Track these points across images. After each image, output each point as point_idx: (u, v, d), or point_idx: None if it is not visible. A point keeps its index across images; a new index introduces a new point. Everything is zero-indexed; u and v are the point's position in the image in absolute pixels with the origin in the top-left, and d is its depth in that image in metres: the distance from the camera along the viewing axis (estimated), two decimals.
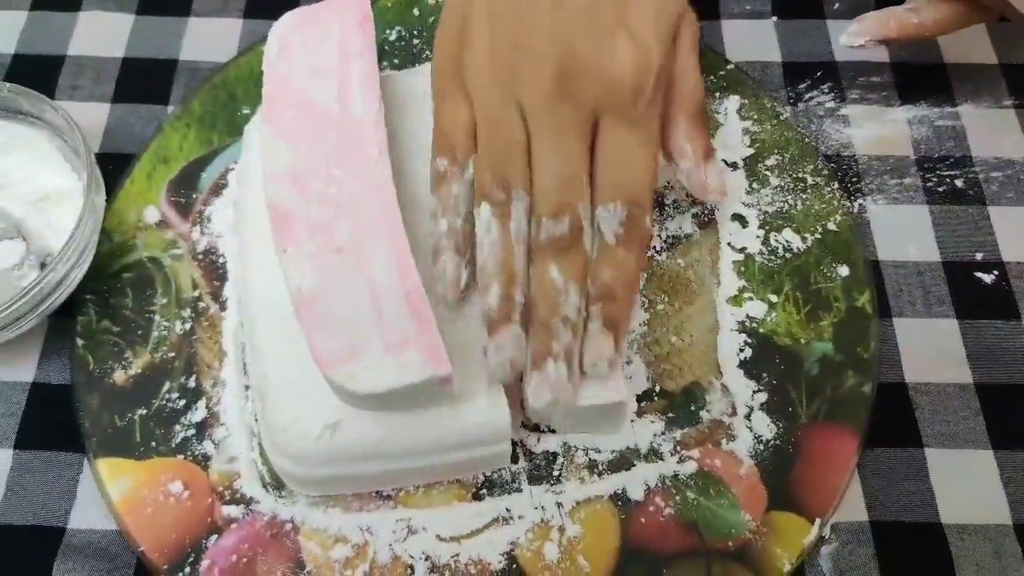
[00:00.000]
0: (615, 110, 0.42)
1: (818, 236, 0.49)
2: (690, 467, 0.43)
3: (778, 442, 0.44)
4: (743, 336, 0.46)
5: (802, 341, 0.46)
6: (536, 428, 0.44)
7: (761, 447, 0.44)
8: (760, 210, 0.50)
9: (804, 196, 0.50)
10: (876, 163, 0.53)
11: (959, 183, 0.52)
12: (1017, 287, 0.49)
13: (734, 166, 0.52)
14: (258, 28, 0.58)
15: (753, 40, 0.57)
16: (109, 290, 0.48)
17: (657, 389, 0.45)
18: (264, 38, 0.47)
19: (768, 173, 0.51)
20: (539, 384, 0.39)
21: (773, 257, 0.49)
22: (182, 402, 0.45)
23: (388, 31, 0.56)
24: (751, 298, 0.47)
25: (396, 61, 0.55)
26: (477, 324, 0.42)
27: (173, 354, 0.46)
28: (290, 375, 0.41)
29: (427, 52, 0.55)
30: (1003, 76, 0.56)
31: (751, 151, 0.52)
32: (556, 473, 0.43)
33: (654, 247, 0.49)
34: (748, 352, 0.46)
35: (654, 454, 0.44)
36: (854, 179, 0.52)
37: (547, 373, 0.38)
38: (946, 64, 0.56)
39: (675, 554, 0.41)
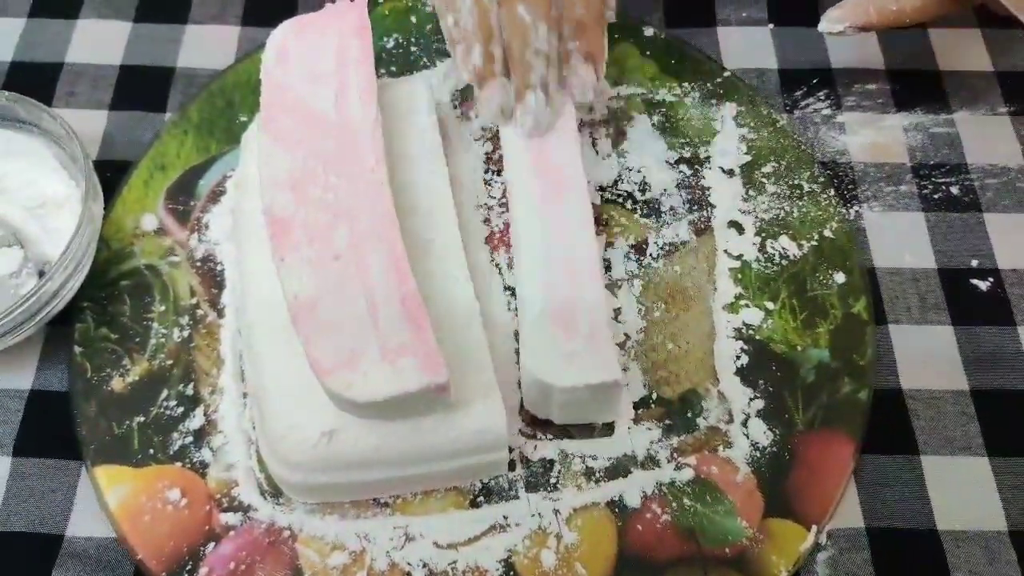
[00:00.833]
0: None
1: (814, 243, 0.49)
2: (687, 474, 0.43)
3: (775, 449, 0.44)
4: (739, 343, 0.47)
5: (798, 348, 0.46)
6: (534, 436, 0.44)
7: (758, 454, 0.44)
8: (756, 217, 0.50)
9: (800, 203, 0.51)
10: (872, 170, 0.53)
11: (954, 190, 0.52)
12: (1012, 294, 0.49)
13: (731, 173, 0.52)
14: (256, 35, 0.58)
15: (749, 47, 0.58)
16: (107, 297, 0.48)
17: (654, 396, 0.45)
18: (262, 45, 0.47)
19: (764, 180, 0.51)
20: (523, 113, 0.45)
21: (769, 264, 0.49)
22: (180, 409, 0.45)
23: (385, 38, 0.56)
24: (747, 305, 0.48)
25: (394, 68, 0.55)
26: (475, 331, 0.42)
27: (171, 361, 0.46)
28: (288, 382, 0.41)
29: (424, 59, 0.55)
30: (998, 83, 0.56)
31: (748, 158, 0.52)
32: (553, 480, 0.43)
33: (651, 254, 0.49)
34: (745, 359, 0.46)
35: (651, 461, 0.44)
36: (850, 186, 0.52)
37: (527, 103, 0.45)
38: (941, 72, 0.56)
39: (672, 561, 0.41)
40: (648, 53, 0.55)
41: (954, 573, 0.42)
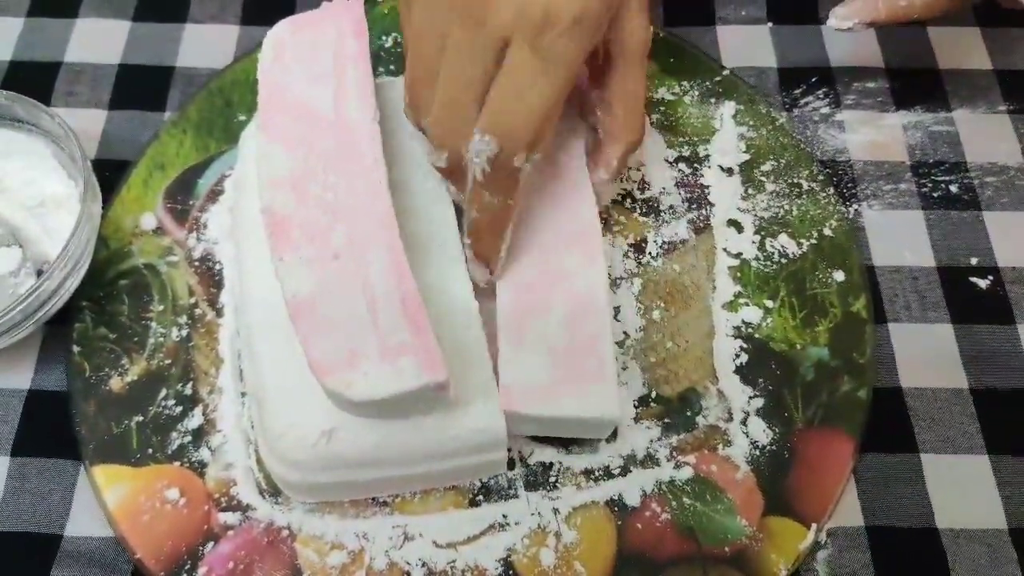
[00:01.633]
0: (523, 33, 0.38)
1: (814, 241, 0.49)
2: (686, 473, 0.43)
3: (774, 447, 0.44)
4: (739, 341, 0.47)
5: (798, 346, 0.46)
6: (534, 437, 0.44)
7: (757, 452, 0.44)
8: (756, 215, 0.50)
9: (800, 201, 0.51)
10: (871, 168, 0.53)
11: (954, 188, 0.52)
12: (1012, 292, 0.49)
13: (730, 171, 0.52)
14: (255, 34, 0.58)
15: (749, 46, 0.58)
16: (105, 297, 0.48)
17: (653, 395, 0.45)
18: (260, 45, 0.47)
19: (764, 179, 0.51)
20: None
21: (769, 262, 0.49)
22: (178, 409, 0.45)
23: (384, 37, 0.56)
24: (747, 303, 0.48)
25: (392, 67, 0.55)
26: (474, 330, 0.42)
27: (169, 361, 0.46)
28: (286, 381, 0.41)
29: None
30: (997, 82, 0.56)
31: (747, 157, 0.52)
32: (553, 479, 0.43)
33: (650, 252, 0.49)
34: (744, 357, 0.46)
35: (650, 460, 0.44)
36: (849, 184, 0.52)
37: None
38: (941, 70, 0.56)
39: (671, 560, 0.41)
40: None
41: (954, 572, 0.42)
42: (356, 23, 0.46)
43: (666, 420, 0.45)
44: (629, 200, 0.51)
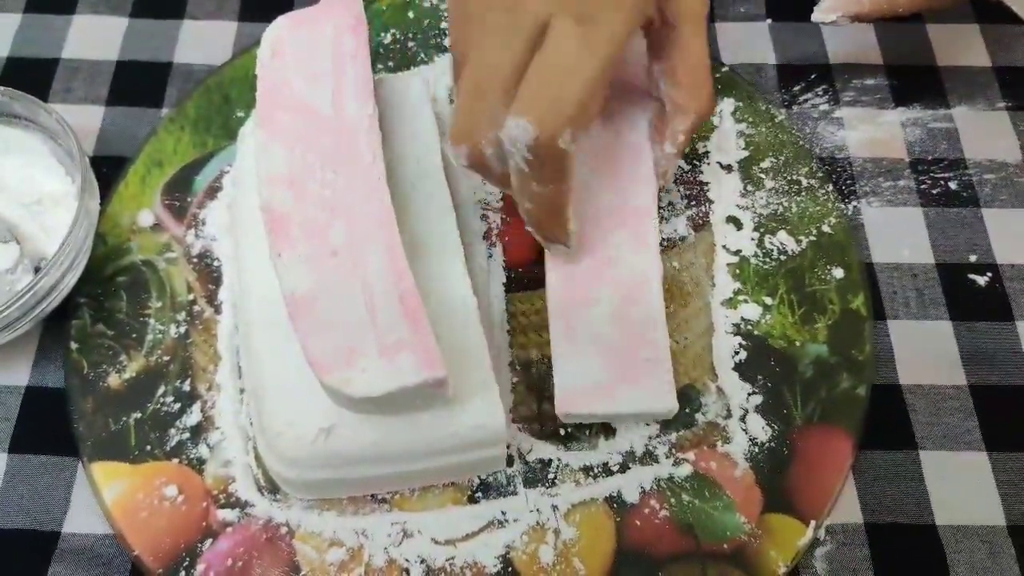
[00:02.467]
0: (567, 7, 0.36)
1: (813, 238, 0.49)
2: (685, 469, 0.43)
3: (773, 444, 0.44)
4: (738, 338, 0.46)
5: (797, 343, 0.46)
6: (533, 434, 0.44)
7: (756, 449, 0.44)
8: (755, 212, 0.50)
9: (799, 198, 0.51)
10: (870, 165, 0.53)
11: (953, 185, 0.52)
12: (1011, 289, 0.49)
13: (729, 168, 0.52)
14: (253, 31, 0.58)
15: (747, 43, 0.58)
16: (103, 294, 0.48)
17: None
18: (258, 41, 0.47)
19: (763, 176, 0.51)
20: None
21: (768, 259, 0.49)
22: (177, 406, 0.45)
23: (383, 34, 0.56)
24: (746, 300, 0.48)
25: (391, 64, 0.55)
26: (473, 327, 0.42)
27: (168, 358, 0.46)
28: (285, 378, 0.41)
29: (422, 55, 0.55)
30: (996, 78, 0.56)
31: (746, 153, 0.52)
32: (551, 476, 0.43)
33: None
34: (743, 354, 0.46)
35: (649, 456, 0.44)
36: (848, 181, 0.52)
37: None
38: (940, 67, 0.56)
39: (670, 556, 0.41)
40: None
41: (953, 568, 0.42)
42: (355, 19, 0.46)
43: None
44: None
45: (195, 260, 0.49)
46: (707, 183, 0.51)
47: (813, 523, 0.42)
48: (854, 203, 0.52)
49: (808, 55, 0.57)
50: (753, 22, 0.59)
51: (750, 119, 0.53)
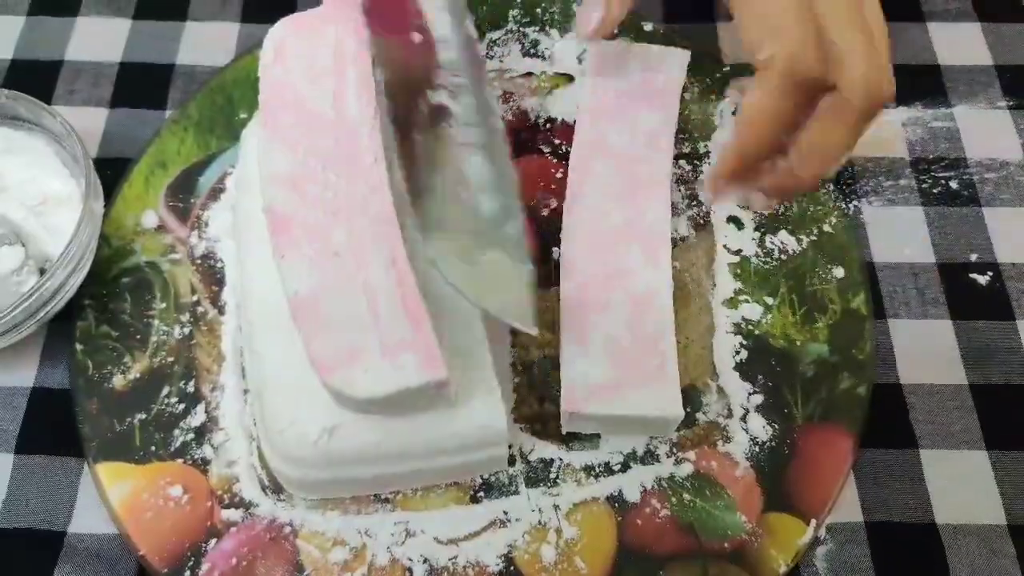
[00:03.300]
0: None
1: (813, 238, 0.49)
2: (686, 469, 0.43)
3: (774, 443, 0.44)
4: (739, 338, 0.47)
5: (797, 343, 0.46)
6: (534, 433, 0.44)
7: (757, 448, 0.44)
8: (755, 212, 0.50)
9: (800, 198, 0.51)
10: (871, 165, 0.53)
11: (954, 184, 0.52)
12: (1011, 288, 0.49)
13: None
14: (255, 32, 0.58)
15: None
16: (108, 295, 0.48)
17: None
18: (261, 42, 0.47)
19: None
20: None
21: (769, 259, 0.49)
22: (181, 406, 0.45)
23: None
24: (747, 300, 0.48)
25: None
26: (475, 328, 0.42)
27: (172, 359, 0.46)
28: (288, 379, 0.41)
29: None
30: (997, 77, 0.56)
31: None
32: (553, 475, 0.43)
33: None
34: (744, 354, 0.46)
35: (650, 456, 0.44)
36: (849, 181, 0.52)
37: None
38: (941, 65, 0.56)
39: (671, 555, 0.42)
40: None
41: (953, 567, 0.42)
42: (357, 21, 0.46)
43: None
44: None
45: (199, 261, 0.49)
46: None
47: (814, 522, 0.42)
48: (855, 202, 0.52)
49: None
50: None
51: None
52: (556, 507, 0.43)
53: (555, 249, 0.49)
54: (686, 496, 0.43)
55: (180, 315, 0.47)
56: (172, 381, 0.46)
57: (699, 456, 0.44)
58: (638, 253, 0.45)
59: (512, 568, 0.41)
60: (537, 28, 0.56)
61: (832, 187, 0.51)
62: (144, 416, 0.45)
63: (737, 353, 0.46)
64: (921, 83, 0.56)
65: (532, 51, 0.55)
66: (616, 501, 0.43)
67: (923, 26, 0.58)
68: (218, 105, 0.53)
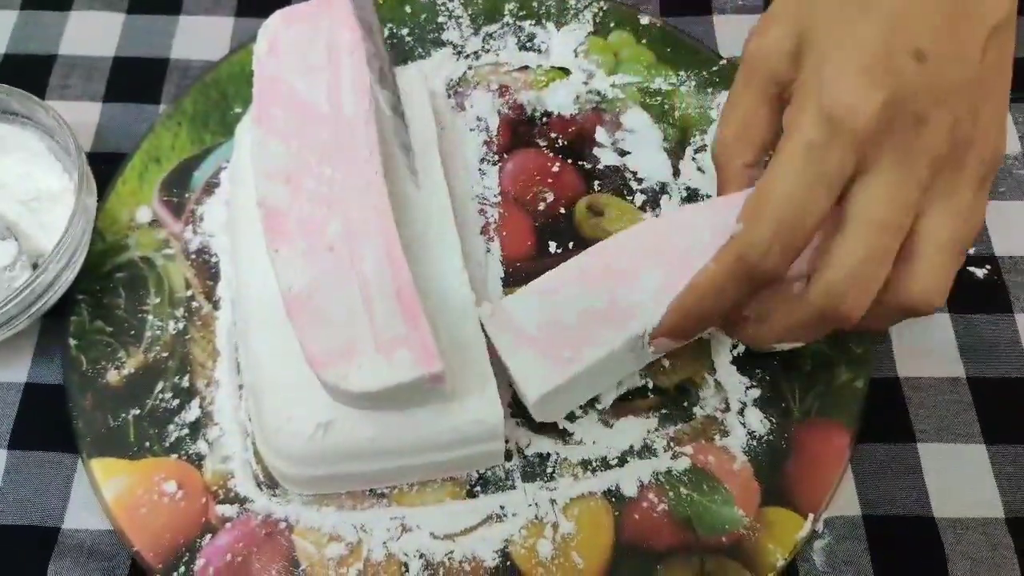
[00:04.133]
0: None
1: None
2: (683, 463, 0.43)
3: (771, 438, 0.44)
4: None
5: None
6: (532, 429, 0.44)
7: (754, 443, 0.44)
8: None
9: None
10: None
11: None
12: (1009, 281, 0.49)
13: None
14: (249, 26, 0.58)
15: (745, 35, 0.57)
16: (102, 290, 0.48)
17: (650, 385, 0.45)
18: (255, 36, 0.47)
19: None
20: None
21: None
22: (175, 402, 0.45)
23: None
24: None
25: None
26: (471, 322, 0.42)
27: (166, 354, 0.46)
28: (283, 374, 0.41)
29: (419, 49, 0.55)
30: None
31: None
32: (550, 470, 0.43)
33: None
34: (741, 348, 0.46)
35: (647, 450, 0.44)
36: None
37: None
38: None
39: (669, 550, 0.42)
40: (644, 42, 0.55)
41: (951, 560, 0.42)
42: (351, 15, 0.46)
43: (663, 411, 0.45)
44: (626, 191, 0.51)
45: (193, 256, 0.49)
46: (705, 176, 0.51)
47: (811, 516, 0.42)
48: None
49: None
50: (751, 15, 0.58)
51: None
52: (553, 502, 0.43)
53: (551, 243, 0.49)
54: (683, 490, 0.43)
55: (174, 310, 0.47)
56: (166, 376, 0.45)
57: (696, 450, 0.44)
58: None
59: (509, 563, 0.41)
60: (533, 22, 0.56)
61: None
62: (138, 411, 0.45)
63: (735, 347, 0.46)
64: None
65: (528, 45, 0.55)
66: (613, 496, 0.43)
67: None
68: (212, 100, 0.53)
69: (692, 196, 0.50)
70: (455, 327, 0.42)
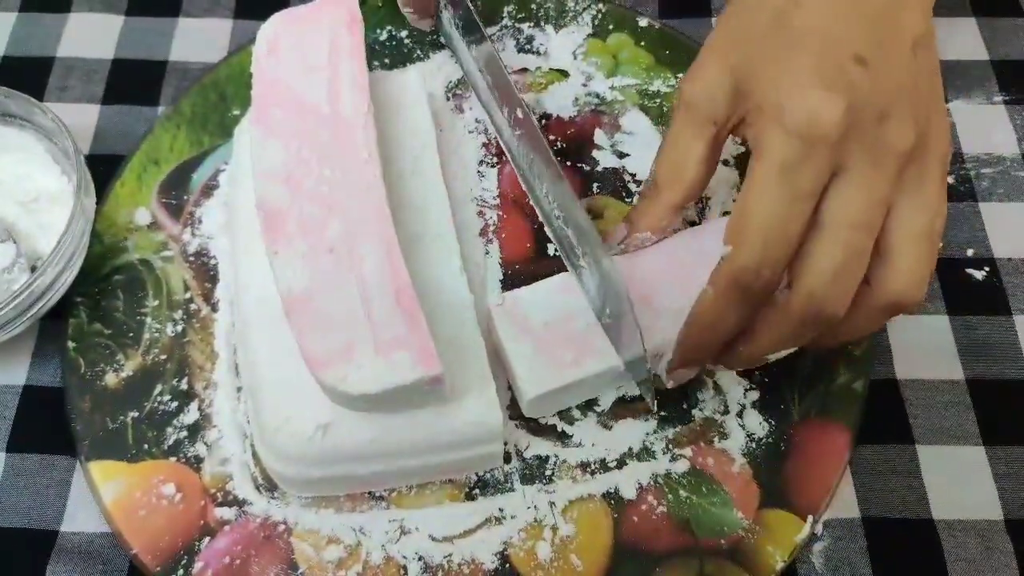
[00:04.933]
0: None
1: None
2: (682, 465, 0.43)
3: (770, 440, 0.44)
4: None
5: None
6: (531, 431, 0.44)
7: (753, 445, 0.44)
8: None
9: None
10: None
11: (950, 179, 0.52)
12: (1008, 283, 0.49)
13: (725, 163, 0.51)
14: (248, 28, 0.58)
15: None
16: (100, 292, 0.48)
17: None
18: (254, 38, 0.47)
19: None
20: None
21: None
22: (174, 404, 0.45)
23: (379, 30, 0.56)
24: None
25: (387, 61, 0.55)
26: (470, 324, 0.42)
27: (165, 356, 0.46)
28: (282, 376, 0.41)
29: (418, 51, 0.55)
30: (994, 72, 0.56)
31: (743, 148, 0.52)
32: (549, 472, 0.43)
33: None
34: None
35: (646, 453, 0.44)
36: None
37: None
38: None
39: (668, 552, 0.41)
40: (642, 44, 0.55)
41: (950, 562, 0.42)
42: (350, 16, 0.46)
43: (662, 413, 0.45)
44: (624, 192, 0.51)
45: (192, 258, 0.49)
46: None
47: (810, 518, 0.42)
48: None
49: None
50: None
51: None
52: (552, 504, 0.42)
53: (550, 246, 0.49)
54: (682, 493, 0.43)
55: (173, 312, 0.47)
56: (165, 379, 0.45)
57: (695, 453, 0.44)
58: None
59: (508, 566, 0.41)
60: (532, 24, 0.56)
61: None
62: (137, 414, 0.44)
63: None
64: None
65: (527, 47, 0.55)
66: (612, 498, 0.43)
67: None
68: (211, 101, 0.53)
69: None
70: (454, 329, 0.42)
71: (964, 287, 0.49)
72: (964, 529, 0.43)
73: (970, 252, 0.50)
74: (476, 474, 0.43)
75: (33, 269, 0.46)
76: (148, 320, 0.47)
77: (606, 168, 0.51)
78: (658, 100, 0.53)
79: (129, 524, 0.42)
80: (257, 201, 0.42)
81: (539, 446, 0.44)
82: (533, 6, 0.56)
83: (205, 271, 0.48)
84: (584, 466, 0.43)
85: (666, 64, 0.54)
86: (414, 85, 0.49)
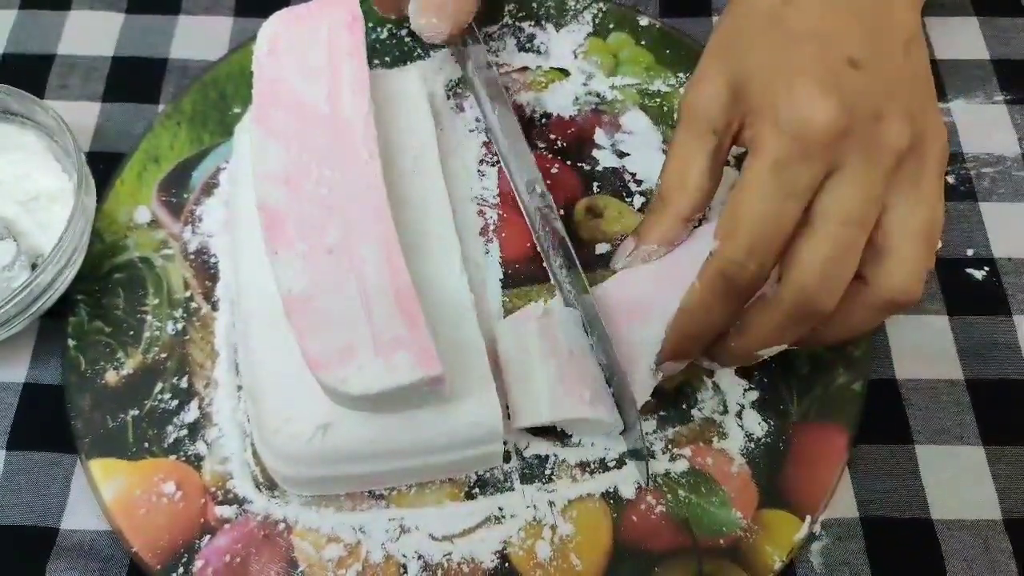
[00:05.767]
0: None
1: None
2: (681, 465, 0.43)
3: (769, 440, 0.44)
4: None
5: None
6: (530, 430, 0.44)
7: (752, 445, 0.44)
8: None
9: None
10: None
11: (950, 179, 0.52)
12: (1008, 283, 0.49)
13: (726, 163, 0.51)
14: (249, 26, 0.58)
15: None
16: (100, 290, 0.48)
17: None
18: (254, 37, 0.47)
19: None
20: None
21: None
22: (174, 403, 0.45)
23: (379, 30, 0.56)
24: None
25: (387, 59, 0.55)
26: (470, 324, 0.42)
27: (165, 355, 0.46)
28: (282, 375, 0.41)
29: (418, 50, 0.55)
30: (994, 72, 0.56)
31: (743, 148, 0.52)
32: (548, 472, 0.43)
33: None
34: None
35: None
36: None
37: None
38: (937, 60, 0.56)
39: (666, 552, 0.42)
40: (643, 43, 0.55)
41: (948, 562, 0.42)
42: (351, 15, 0.46)
43: (661, 413, 0.45)
44: (625, 192, 0.51)
45: (192, 257, 0.49)
46: None
47: (809, 518, 0.42)
48: None
49: None
50: None
51: None
52: (551, 504, 0.43)
53: None
54: (681, 493, 0.43)
55: (173, 311, 0.47)
56: (165, 377, 0.45)
57: (694, 453, 0.44)
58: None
59: (507, 565, 0.41)
60: (532, 22, 0.56)
61: None
62: (137, 412, 0.45)
63: None
64: None
65: (527, 46, 0.55)
66: (611, 498, 0.43)
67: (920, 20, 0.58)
68: (211, 100, 0.53)
69: None
70: (454, 329, 0.42)
71: (964, 287, 0.49)
72: (963, 529, 0.43)
73: (970, 252, 0.50)
74: (476, 473, 0.43)
75: (34, 267, 0.46)
76: (148, 318, 0.47)
77: (606, 167, 0.51)
78: (658, 99, 0.53)
79: (129, 522, 0.42)
80: (257, 202, 0.42)
81: (539, 445, 0.44)
82: (534, 4, 0.56)
83: (205, 269, 0.48)
84: (583, 466, 0.43)
85: (666, 63, 0.54)
86: (415, 84, 0.49)
